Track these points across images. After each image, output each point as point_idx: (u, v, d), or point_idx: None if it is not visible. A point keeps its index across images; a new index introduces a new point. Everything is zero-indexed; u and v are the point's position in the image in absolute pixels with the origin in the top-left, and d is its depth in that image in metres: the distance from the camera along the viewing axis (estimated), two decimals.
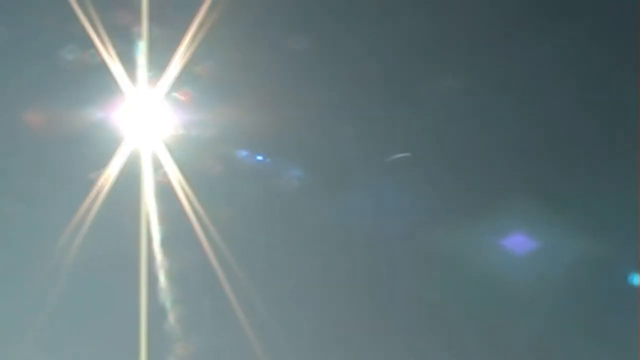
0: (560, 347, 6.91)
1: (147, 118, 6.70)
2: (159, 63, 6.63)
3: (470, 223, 6.95)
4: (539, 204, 6.96)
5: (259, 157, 6.89)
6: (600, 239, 6.95)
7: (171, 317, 6.67)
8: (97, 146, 6.61)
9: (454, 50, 7.06)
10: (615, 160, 7.09)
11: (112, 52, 6.54)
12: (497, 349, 6.90)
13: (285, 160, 6.97)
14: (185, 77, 6.66)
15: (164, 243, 6.66)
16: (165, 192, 6.65)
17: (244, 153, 6.87)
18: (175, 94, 6.68)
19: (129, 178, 6.62)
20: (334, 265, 6.92)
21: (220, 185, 6.82)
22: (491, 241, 6.98)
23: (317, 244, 6.94)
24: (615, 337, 6.88)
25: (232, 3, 6.61)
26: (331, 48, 6.91)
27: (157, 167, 6.68)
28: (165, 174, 6.67)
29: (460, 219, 6.98)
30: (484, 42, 7.07)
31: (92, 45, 6.53)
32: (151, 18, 6.59)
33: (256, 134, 6.84)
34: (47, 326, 6.58)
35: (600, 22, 7.13)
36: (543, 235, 7.01)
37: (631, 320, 6.83)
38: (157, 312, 6.62)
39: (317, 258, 6.93)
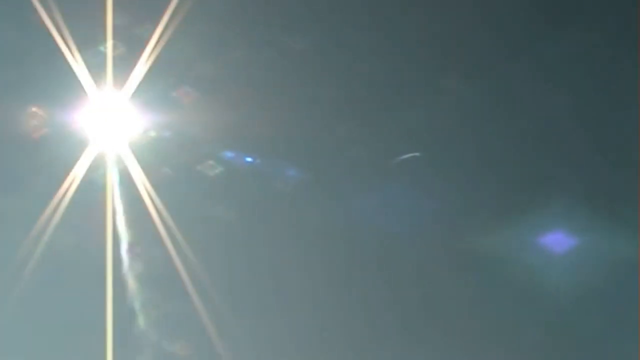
0: (597, 347, 6.77)
1: (114, 120, 6.54)
2: (125, 64, 6.48)
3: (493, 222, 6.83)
4: (559, 201, 6.84)
5: (249, 159, 6.74)
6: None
7: (139, 324, 6.52)
8: (63, 149, 6.47)
9: (457, 49, 6.91)
10: None
11: (77, 53, 6.40)
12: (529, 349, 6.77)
13: (264, 161, 6.81)
14: (154, 78, 6.51)
15: (131, 248, 6.51)
16: (131, 195, 6.50)
17: (215, 154, 6.70)
18: (142, 96, 6.52)
19: (95, 181, 6.48)
20: (314, 269, 6.78)
21: (190, 188, 6.66)
22: (514, 240, 6.84)
23: (295, 247, 6.79)
24: None
25: (200, 1, 6.47)
26: (301, 40, 6.76)
27: (123, 170, 6.53)
28: (131, 177, 6.51)
29: (480, 218, 6.87)
30: (492, 38, 6.93)
31: (56, 46, 6.39)
32: (117, 18, 6.44)
33: (229, 134, 6.68)
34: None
35: (603, 20, 7.03)
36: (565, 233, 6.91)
37: None
38: (124, 320, 6.48)
39: (297, 261, 6.77)
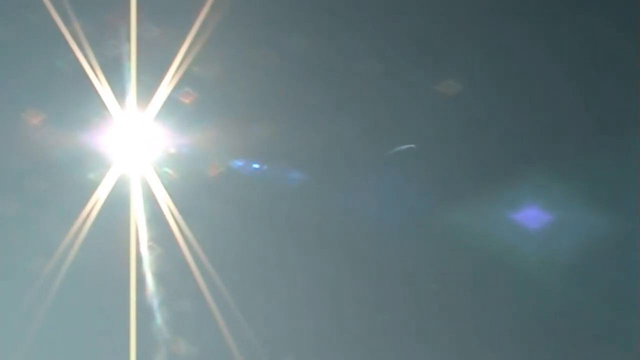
0: (571, 327, 6.81)
1: (136, 139, 6.55)
2: (147, 83, 6.49)
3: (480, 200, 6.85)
4: (551, 179, 6.86)
5: (256, 165, 6.75)
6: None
7: (161, 343, 6.55)
8: (87, 169, 6.47)
9: (455, 47, 6.93)
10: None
11: (100, 73, 6.40)
12: (508, 329, 6.81)
13: (280, 177, 6.83)
14: (175, 96, 6.53)
15: (154, 266, 6.53)
16: (155, 215, 6.52)
17: (236, 172, 6.73)
18: (164, 114, 6.54)
19: (118, 200, 6.48)
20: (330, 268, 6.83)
21: (212, 207, 6.69)
22: (502, 217, 6.86)
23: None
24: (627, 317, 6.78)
25: (224, 20, 6.48)
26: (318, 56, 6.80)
27: (146, 189, 6.54)
28: (154, 196, 6.52)
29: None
30: (485, 36, 6.95)
31: (79, 66, 6.38)
32: (140, 36, 6.45)
33: (249, 152, 6.71)
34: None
35: (602, 20, 6.98)
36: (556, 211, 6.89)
37: None
38: (147, 339, 6.51)
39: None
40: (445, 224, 6.82)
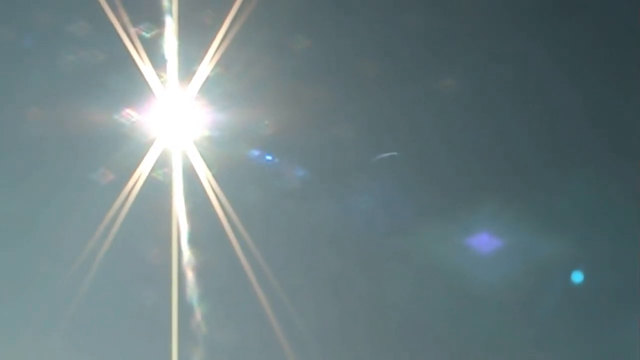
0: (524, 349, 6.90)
1: (173, 118, 6.68)
2: (186, 64, 6.63)
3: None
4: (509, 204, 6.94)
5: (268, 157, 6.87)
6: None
7: (199, 314, 6.62)
8: (130, 146, 6.58)
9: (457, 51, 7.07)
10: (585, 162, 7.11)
11: (142, 52, 6.54)
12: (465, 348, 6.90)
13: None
14: (212, 78, 6.67)
15: (193, 241, 6.62)
16: (193, 190, 6.63)
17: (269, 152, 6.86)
18: (200, 95, 6.67)
19: (156, 177, 6.61)
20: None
21: (248, 185, 6.80)
22: (462, 241, 6.97)
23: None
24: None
25: (259, 7, 6.64)
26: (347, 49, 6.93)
27: (186, 166, 6.66)
28: (193, 173, 6.64)
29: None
30: (479, 44, 7.05)
31: (121, 45, 6.52)
32: (180, 19, 6.60)
33: (279, 134, 6.82)
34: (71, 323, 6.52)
35: (600, 22, 7.10)
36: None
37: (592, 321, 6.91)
38: (185, 309, 6.58)
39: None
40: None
